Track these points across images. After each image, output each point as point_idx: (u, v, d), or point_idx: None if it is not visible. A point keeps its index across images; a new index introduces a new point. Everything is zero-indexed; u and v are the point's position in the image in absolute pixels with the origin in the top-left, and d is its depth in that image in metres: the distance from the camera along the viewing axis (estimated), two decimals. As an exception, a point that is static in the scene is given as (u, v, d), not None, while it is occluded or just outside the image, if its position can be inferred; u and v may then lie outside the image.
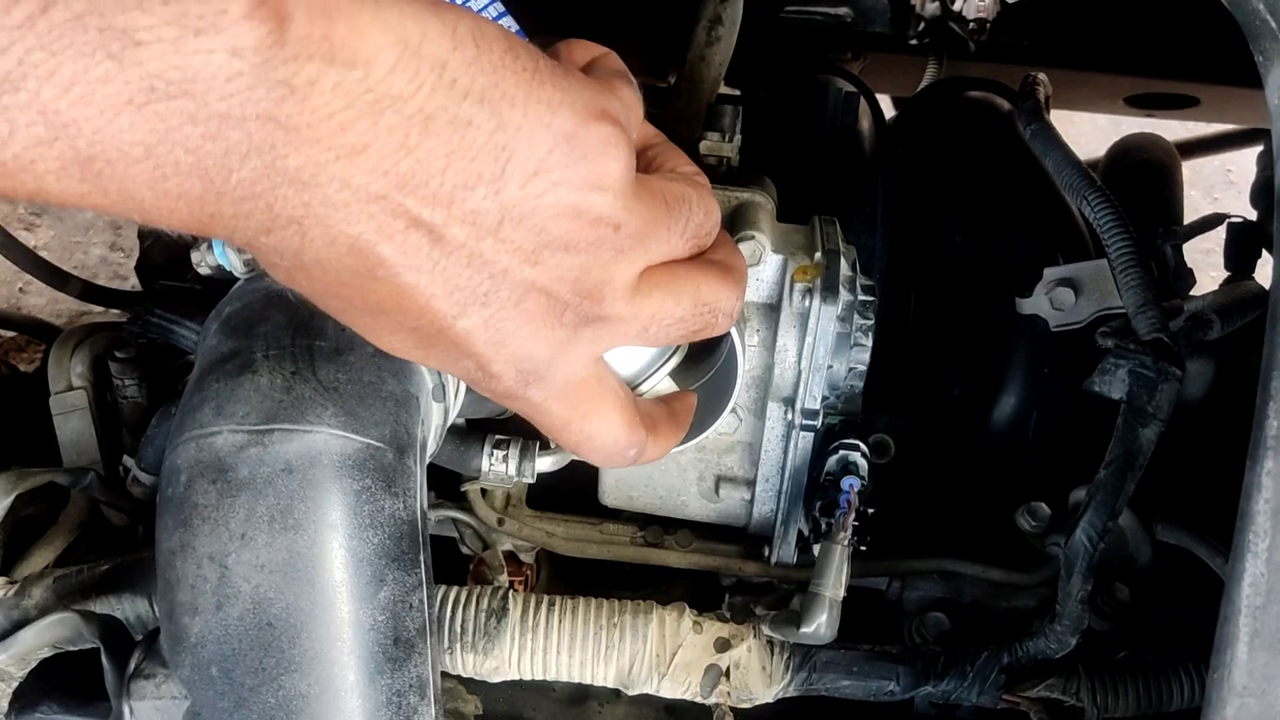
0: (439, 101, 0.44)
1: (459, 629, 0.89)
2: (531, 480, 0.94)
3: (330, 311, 0.52)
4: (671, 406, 0.65)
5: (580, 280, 0.51)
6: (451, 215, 0.46)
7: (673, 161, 0.60)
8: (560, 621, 0.90)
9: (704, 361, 0.76)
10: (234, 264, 0.79)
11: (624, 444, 0.59)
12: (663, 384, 0.65)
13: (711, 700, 0.90)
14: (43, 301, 2.55)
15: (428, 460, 0.75)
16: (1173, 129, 1.65)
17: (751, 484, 0.96)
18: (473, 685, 0.99)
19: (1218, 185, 3.21)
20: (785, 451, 0.92)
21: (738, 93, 1.29)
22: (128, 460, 0.99)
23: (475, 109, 0.45)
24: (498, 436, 0.93)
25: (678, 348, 0.65)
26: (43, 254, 1.32)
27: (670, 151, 0.61)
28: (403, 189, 0.45)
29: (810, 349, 0.86)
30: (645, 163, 0.60)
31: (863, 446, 0.89)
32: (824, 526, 0.88)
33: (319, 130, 0.43)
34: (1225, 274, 1.14)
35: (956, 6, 1.09)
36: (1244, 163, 1.87)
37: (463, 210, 0.46)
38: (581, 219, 0.49)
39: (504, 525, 1.03)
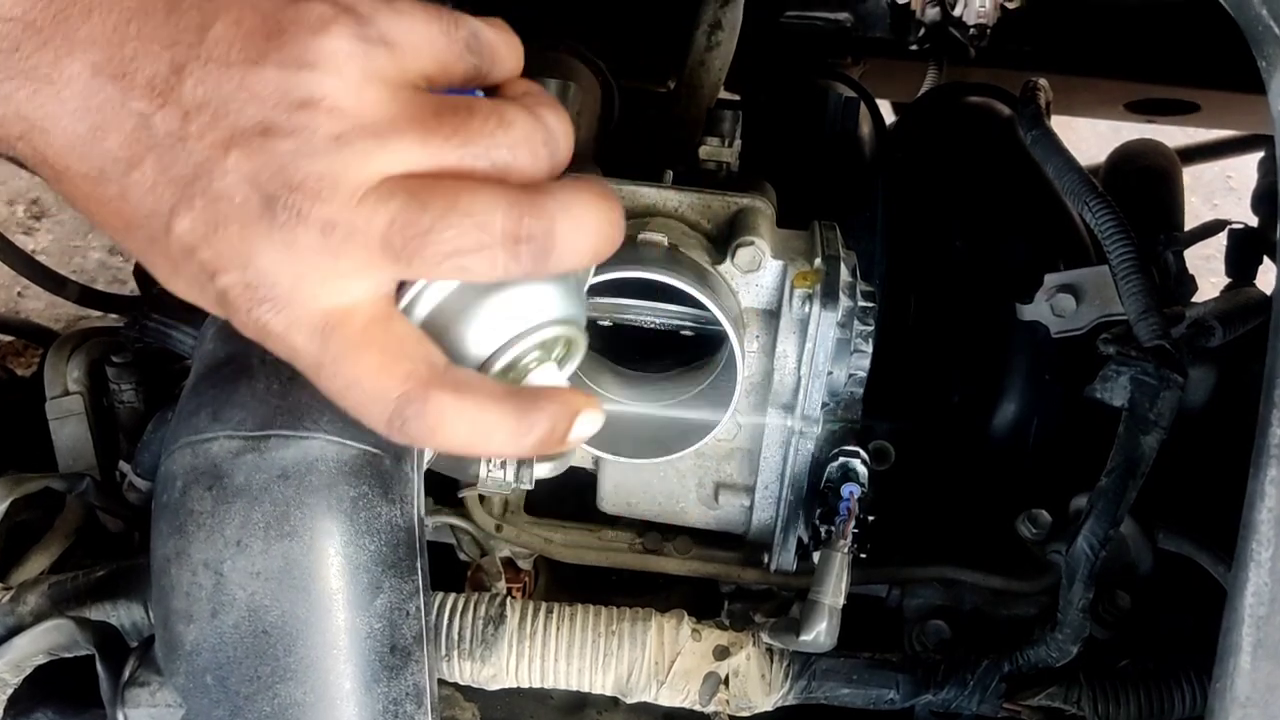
0: None
1: (456, 636, 0.88)
2: (530, 486, 0.93)
3: (112, 239, 0.51)
4: (524, 392, 0.53)
5: (289, 170, 0.46)
6: (160, 102, 0.46)
7: (531, 100, 0.52)
8: (558, 629, 0.89)
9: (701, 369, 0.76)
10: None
11: (393, 398, 0.49)
12: (540, 372, 0.55)
13: (710, 708, 0.90)
14: (41, 305, 2.55)
15: (425, 466, 0.74)
16: (1173, 135, 1.64)
17: (751, 490, 0.96)
18: (470, 693, 0.99)
19: (1218, 191, 3.20)
20: (785, 458, 0.92)
21: (737, 97, 1.29)
22: (124, 466, 0.98)
23: None
24: (496, 442, 0.92)
25: (551, 323, 0.55)
26: (41, 258, 1.32)
27: (535, 94, 0.53)
28: (120, 80, 0.46)
29: (810, 355, 0.86)
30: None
31: (863, 453, 0.89)
32: (824, 533, 0.87)
33: (57, 29, 0.45)
34: (1226, 280, 1.14)
35: (956, 12, 1.09)
36: (1244, 169, 1.87)
37: (170, 96, 0.46)
38: (284, 101, 0.46)
39: (502, 532, 1.02)
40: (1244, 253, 1.12)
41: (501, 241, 0.48)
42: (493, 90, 0.54)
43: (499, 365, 0.54)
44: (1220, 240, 1.11)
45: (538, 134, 0.50)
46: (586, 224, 0.50)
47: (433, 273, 0.50)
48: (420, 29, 0.49)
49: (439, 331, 0.52)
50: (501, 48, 0.53)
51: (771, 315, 0.89)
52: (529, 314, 0.54)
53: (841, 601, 0.84)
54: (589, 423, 0.54)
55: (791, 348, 0.88)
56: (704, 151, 0.97)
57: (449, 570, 1.03)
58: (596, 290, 0.80)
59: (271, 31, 0.46)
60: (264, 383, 0.66)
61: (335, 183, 0.46)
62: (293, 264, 0.47)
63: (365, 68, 0.47)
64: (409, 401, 0.49)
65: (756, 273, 0.86)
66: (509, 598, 0.92)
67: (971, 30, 1.05)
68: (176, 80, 0.46)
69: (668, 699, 0.90)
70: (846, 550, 0.85)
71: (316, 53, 0.46)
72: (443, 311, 0.52)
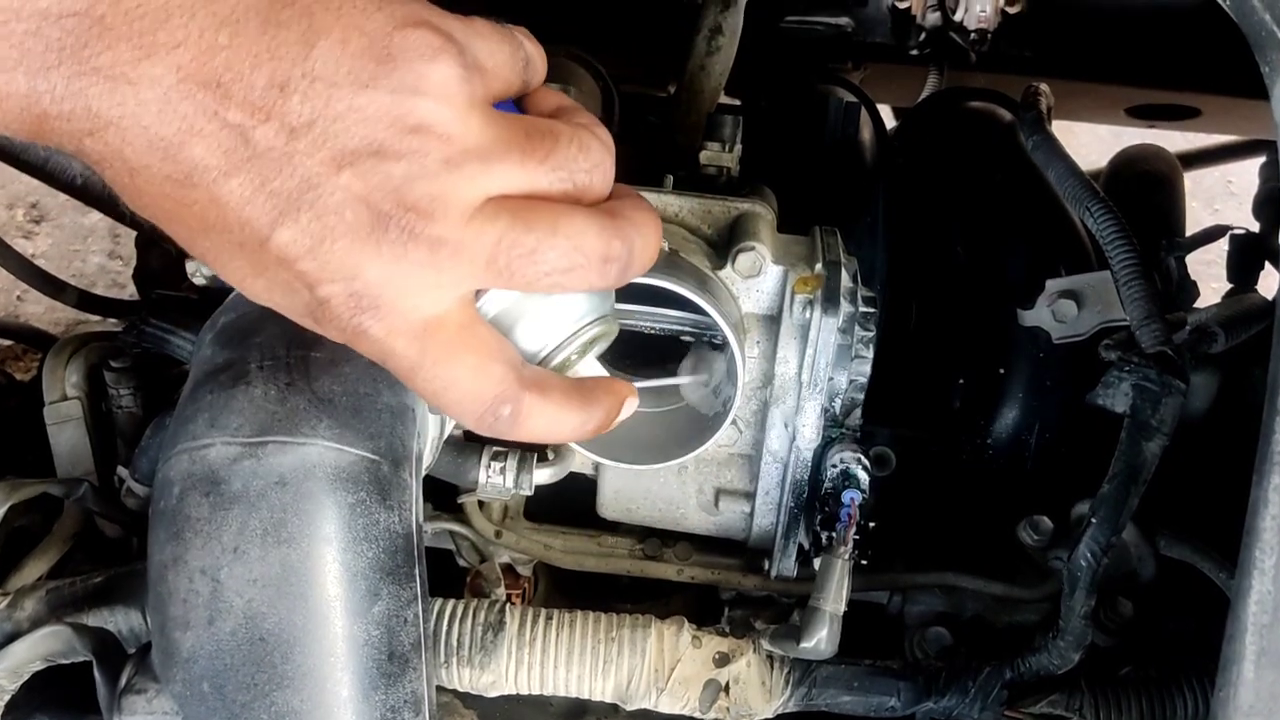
0: (251, 2, 0.46)
1: (455, 643, 0.88)
2: (529, 492, 0.93)
3: (176, 237, 0.51)
4: (586, 385, 0.60)
5: (402, 191, 0.49)
6: (262, 116, 0.47)
7: (570, 115, 0.57)
8: (558, 635, 0.89)
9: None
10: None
11: (489, 398, 0.54)
12: (582, 363, 0.61)
13: (710, 715, 0.90)
14: (40, 310, 2.55)
15: (424, 472, 0.74)
16: (1174, 140, 1.64)
17: (751, 497, 0.96)
18: (469, 700, 0.98)
19: (1219, 196, 3.21)
20: (785, 464, 0.92)
21: (738, 103, 1.29)
22: (122, 471, 0.98)
23: (288, 11, 0.46)
24: (495, 448, 0.92)
25: (596, 321, 0.60)
26: (40, 262, 1.32)
27: (575, 110, 0.58)
28: (213, 89, 0.46)
29: (811, 361, 0.86)
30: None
31: (863, 459, 0.89)
32: (824, 540, 0.87)
33: (131, 27, 0.44)
34: (1226, 285, 1.14)
35: (957, 17, 1.09)
36: (1245, 174, 1.86)
37: (274, 112, 0.47)
38: (397, 125, 0.48)
39: (501, 538, 1.02)
40: (1245, 258, 1.12)
41: (594, 261, 0.54)
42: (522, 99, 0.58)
43: (555, 361, 0.59)
44: (1221, 245, 1.11)
45: (606, 158, 0.55)
46: (651, 240, 0.57)
47: (529, 287, 0.54)
48: (498, 51, 0.52)
49: (505, 330, 0.57)
50: (538, 60, 0.57)
51: (772, 321, 0.88)
52: (582, 314, 0.60)
53: (842, 608, 0.84)
54: (631, 407, 0.62)
55: (792, 353, 0.88)
56: (704, 156, 0.97)
57: (448, 576, 1.03)
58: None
59: (381, 56, 0.48)
60: (261, 389, 0.66)
61: (446, 203, 0.49)
62: (399, 277, 0.50)
63: (470, 95, 0.49)
64: (504, 402, 0.55)
65: (757, 278, 0.86)
66: (508, 604, 0.91)
67: (972, 35, 1.05)
68: (280, 96, 0.46)
69: (668, 706, 0.89)
70: (847, 557, 0.85)
71: (428, 82, 0.48)
72: (509, 313, 0.57)
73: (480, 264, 0.51)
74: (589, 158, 0.54)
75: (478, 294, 0.55)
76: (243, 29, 0.46)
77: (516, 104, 0.57)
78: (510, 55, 0.53)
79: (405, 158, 0.48)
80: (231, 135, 0.47)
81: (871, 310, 0.86)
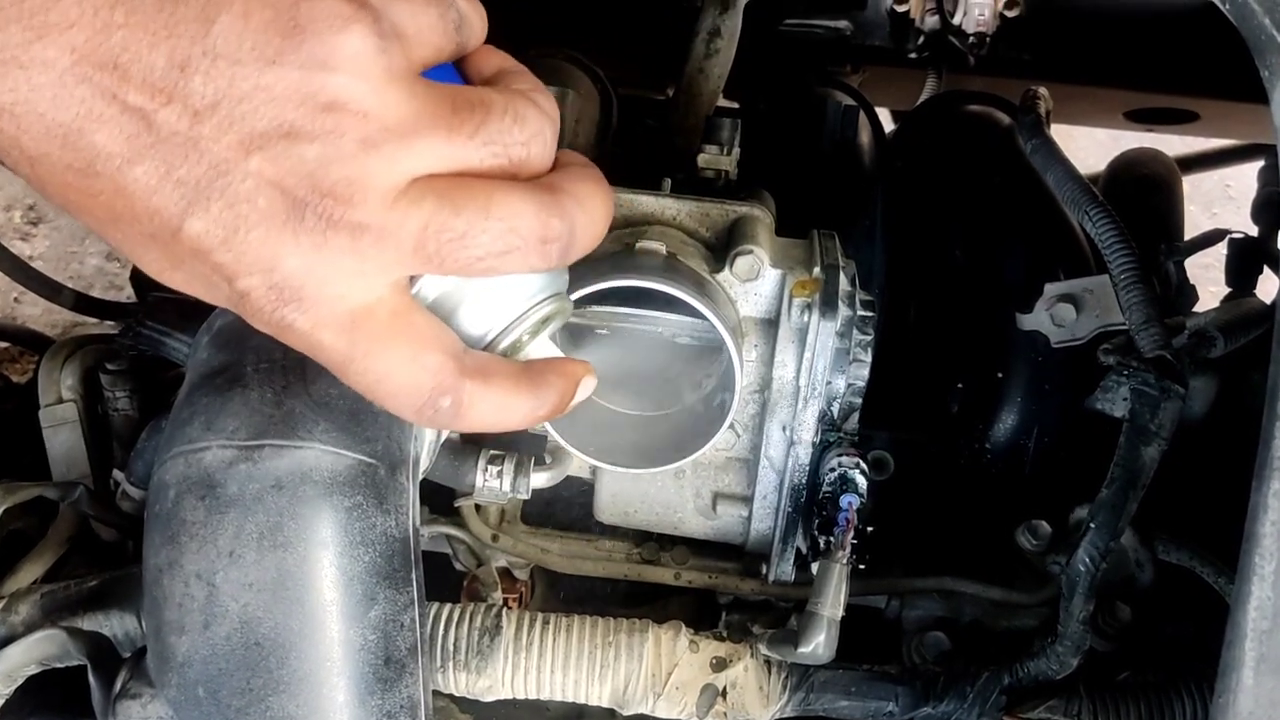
0: None
1: (452, 647, 0.88)
2: (526, 496, 0.93)
3: (89, 228, 0.49)
4: (536, 368, 0.56)
5: (318, 175, 0.45)
6: (164, 99, 0.44)
7: (510, 79, 0.53)
8: (555, 640, 0.88)
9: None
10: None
11: (427, 389, 0.51)
12: (534, 345, 0.57)
13: (708, 720, 0.89)
14: (38, 312, 2.54)
15: (421, 476, 0.74)
16: (1172, 144, 1.64)
17: (749, 501, 0.95)
18: (466, 704, 0.98)
19: (1217, 200, 3.21)
20: (783, 468, 0.91)
21: (736, 105, 1.29)
22: (118, 474, 0.98)
23: None
24: (492, 452, 0.92)
25: (546, 300, 0.57)
26: (37, 264, 1.31)
27: (517, 74, 0.54)
28: (111, 71, 0.43)
29: (809, 365, 0.86)
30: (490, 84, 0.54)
31: (861, 463, 0.88)
32: (822, 544, 0.87)
33: (20, 8, 0.42)
34: (1224, 289, 1.14)
35: (956, 20, 1.09)
36: (1243, 178, 1.87)
37: (175, 93, 0.44)
38: (308, 103, 0.45)
39: (498, 541, 1.02)
40: (1244, 262, 1.12)
41: (531, 243, 0.50)
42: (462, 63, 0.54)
43: (504, 344, 0.56)
44: (1219, 249, 1.11)
45: (547, 127, 0.51)
46: (597, 215, 0.53)
47: (464, 273, 0.51)
48: (422, 14, 0.49)
49: (445, 315, 0.54)
50: (475, 19, 0.53)
51: (770, 324, 0.88)
52: (530, 293, 0.56)
53: (840, 613, 0.84)
54: (588, 387, 0.59)
55: (790, 357, 0.87)
56: (702, 159, 0.96)
57: (445, 580, 1.03)
58: (594, 299, 0.79)
59: (287, 29, 0.44)
60: (258, 392, 0.66)
61: (365, 187, 0.46)
62: (320, 267, 0.47)
63: (387, 67, 0.46)
64: (442, 393, 0.51)
65: (755, 281, 0.86)
66: (505, 608, 0.91)
67: (971, 38, 1.05)
68: (181, 76, 0.44)
69: (665, 711, 0.89)
70: (845, 561, 0.85)
71: (340, 54, 0.45)
72: (450, 296, 0.54)
73: (407, 250, 0.48)
74: (524, 129, 0.50)
75: (413, 278, 0.52)
76: (139, 6, 0.43)
77: (457, 68, 0.54)
78: (438, 17, 0.49)
79: (319, 139, 0.45)
80: (133, 120, 0.44)
81: (870, 314, 0.85)
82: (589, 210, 0.52)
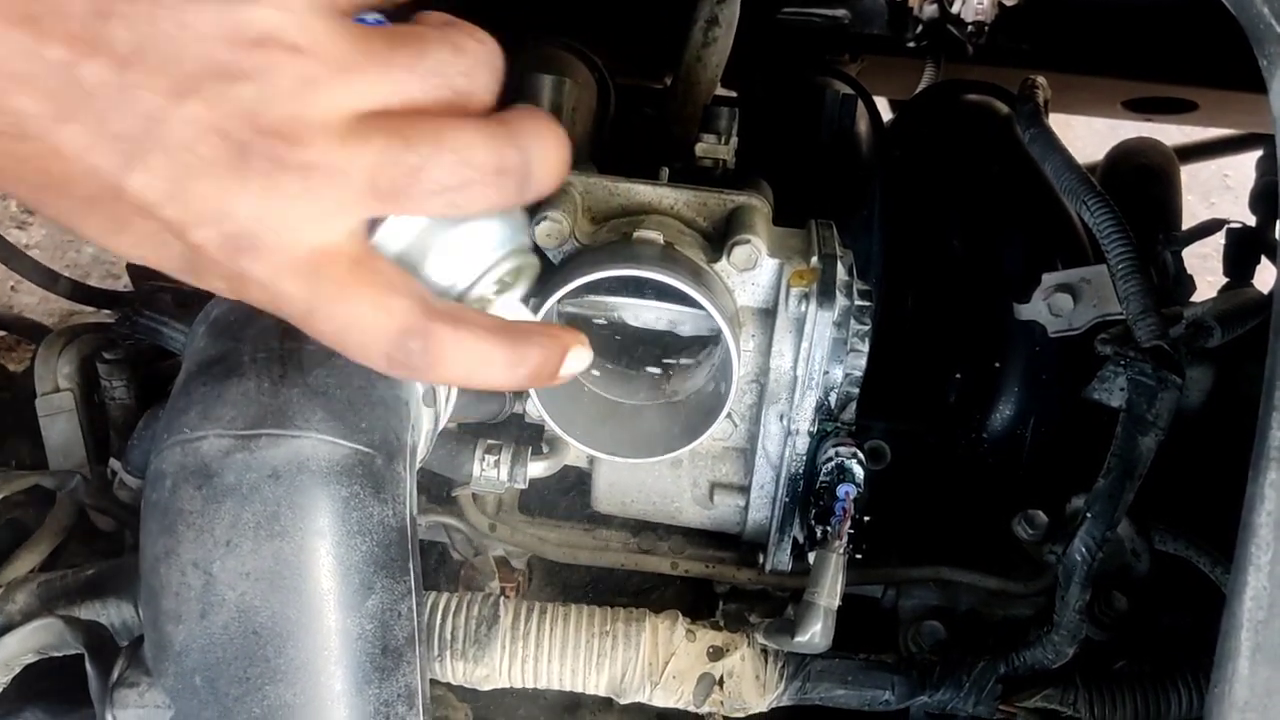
0: None
1: (449, 636, 0.88)
2: (523, 486, 0.93)
3: (24, 201, 0.47)
4: (517, 325, 0.54)
5: (258, 115, 0.43)
6: (87, 50, 0.41)
7: (449, 25, 0.51)
8: (552, 629, 0.89)
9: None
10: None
11: (394, 331, 0.49)
12: (501, 302, 0.56)
13: (705, 709, 0.90)
14: (34, 300, 2.54)
15: (418, 465, 0.74)
16: (1170, 133, 1.64)
17: (746, 490, 0.95)
18: (463, 693, 0.98)
19: (1214, 190, 3.21)
20: (780, 458, 0.91)
21: (734, 94, 1.28)
22: (115, 463, 0.98)
23: None
24: (489, 441, 0.92)
25: (510, 253, 0.56)
26: (34, 253, 1.31)
27: (456, 21, 0.52)
28: (27, 25, 0.41)
29: (806, 355, 0.86)
30: None
31: (859, 453, 0.88)
32: (819, 534, 0.87)
33: None
34: (1222, 279, 1.14)
35: (955, 9, 1.08)
36: (1241, 168, 1.87)
37: (98, 43, 0.41)
38: (236, 40, 0.43)
39: (495, 531, 1.02)
40: (1242, 252, 1.12)
41: (486, 175, 0.48)
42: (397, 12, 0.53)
43: (471, 297, 0.55)
44: (1217, 239, 1.11)
45: (489, 57, 0.50)
46: (552, 150, 0.51)
47: (421, 209, 0.49)
48: None
49: (409, 269, 0.53)
50: None
51: (767, 314, 0.88)
52: (494, 244, 0.55)
53: (837, 602, 0.84)
54: (579, 359, 0.55)
55: (787, 347, 0.87)
56: (700, 149, 0.96)
57: (442, 570, 1.03)
58: (592, 288, 0.79)
59: None
60: (255, 381, 0.65)
61: (309, 124, 0.44)
62: (274, 211, 0.45)
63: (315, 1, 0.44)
64: (411, 335, 0.49)
65: (752, 271, 0.85)
66: (502, 597, 0.91)
67: (969, 27, 1.04)
68: (101, 24, 0.41)
69: (662, 700, 0.89)
70: (842, 551, 0.85)
71: None
72: (412, 249, 0.53)
73: (362, 188, 0.46)
74: (464, 59, 0.48)
75: (373, 228, 0.51)
76: None
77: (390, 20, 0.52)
78: None
79: (254, 77, 0.43)
80: (56, 75, 0.41)
81: (867, 304, 0.85)
82: (543, 143, 0.50)
